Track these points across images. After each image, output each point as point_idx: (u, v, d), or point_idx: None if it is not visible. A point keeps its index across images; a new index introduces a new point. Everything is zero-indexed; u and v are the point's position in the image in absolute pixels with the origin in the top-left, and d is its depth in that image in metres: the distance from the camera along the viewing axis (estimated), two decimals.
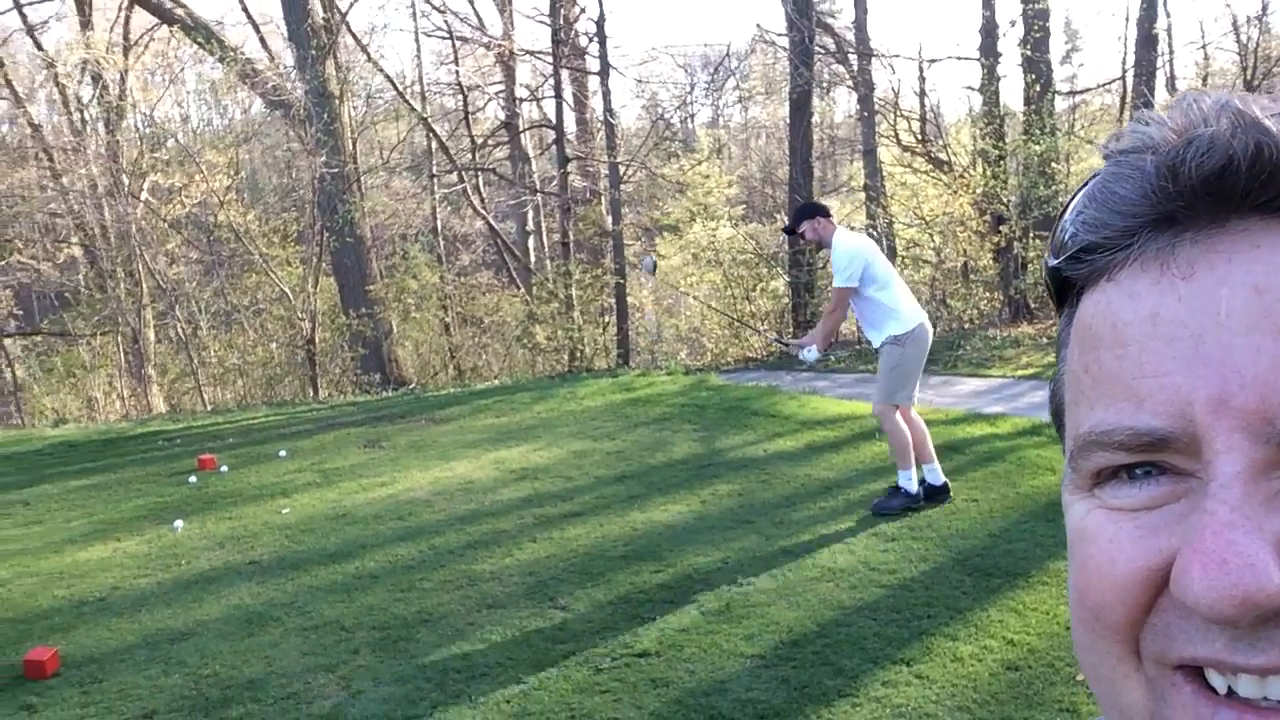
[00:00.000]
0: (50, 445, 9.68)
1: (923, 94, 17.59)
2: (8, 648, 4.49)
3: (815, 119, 19.43)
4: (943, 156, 16.15)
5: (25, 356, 17.49)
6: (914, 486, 5.59)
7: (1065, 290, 0.47)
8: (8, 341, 16.35)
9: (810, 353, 5.84)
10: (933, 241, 15.83)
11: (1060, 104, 20.20)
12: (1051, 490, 5.77)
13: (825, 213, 5.77)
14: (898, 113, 16.78)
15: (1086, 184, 0.45)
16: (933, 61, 26.82)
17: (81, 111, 18.75)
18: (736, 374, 11.56)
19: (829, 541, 5.16)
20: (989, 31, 16.45)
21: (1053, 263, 0.46)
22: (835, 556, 4.94)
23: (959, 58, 21.10)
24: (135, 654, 4.39)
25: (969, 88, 22.69)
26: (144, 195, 17.16)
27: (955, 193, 14.91)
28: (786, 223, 6.01)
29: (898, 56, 22.68)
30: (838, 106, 32.47)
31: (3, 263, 17.28)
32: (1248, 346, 0.38)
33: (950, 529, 5.23)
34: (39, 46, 19.98)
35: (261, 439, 9.17)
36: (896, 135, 16.71)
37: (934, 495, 5.64)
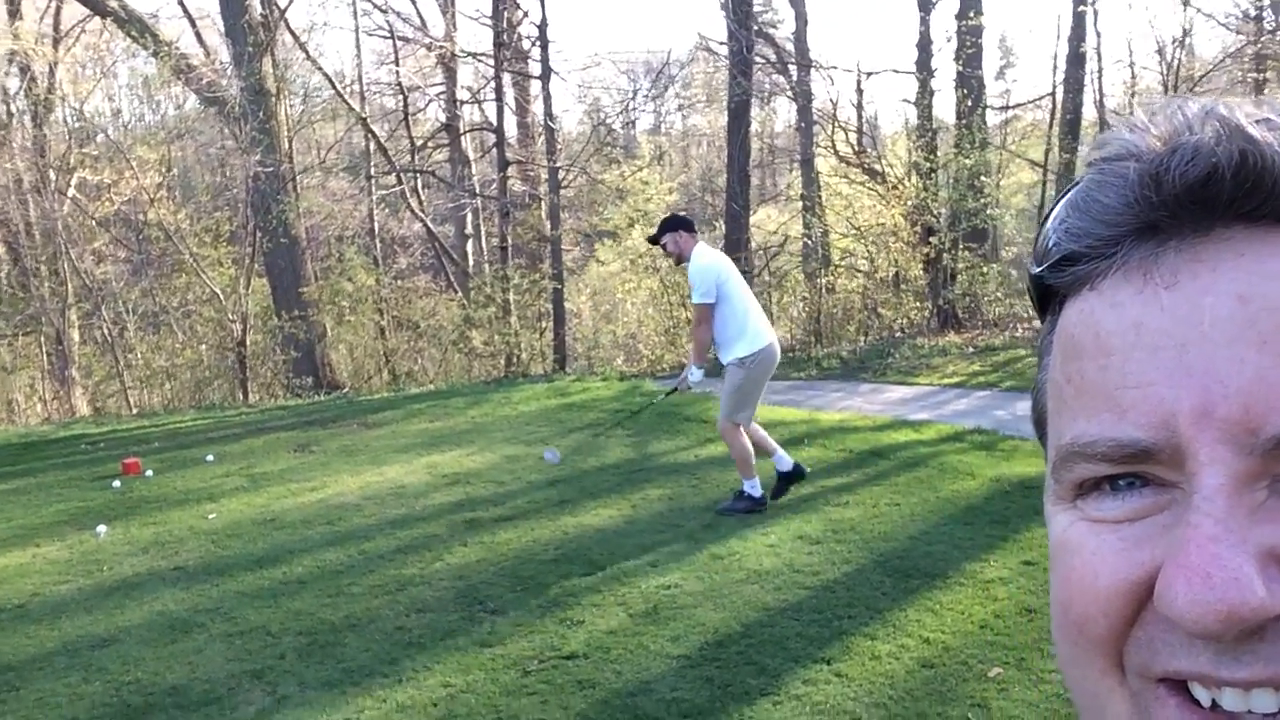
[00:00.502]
0: None
1: (860, 106, 17.95)
2: None
3: (755, 128, 19.68)
4: (878, 168, 16.47)
5: None
6: (758, 492, 5.84)
7: (1048, 298, 0.47)
8: None
9: (694, 373, 6.01)
10: (866, 251, 16.14)
11: (994, 119, 20.74)
12: (970, 494, 5.94)
13: (689, 227, 5.90)
14: (835, 124, 17.07)
15: (1069, 191, 0.45)
16: (870, 74, 27.34)
17: (7, 104, 18.22)
18: (672, 379, 11.65)
19: (756, 545, 5.25)
20: (924, 46, 16.85)
21: (1035, 270, 0.46)
22: (761, 559, 5.04)
23: (896, 71, 21.53)
24: (54, 661, 4.31)
25: (905, 100, 23.15)
26: (71, 191, 16.73)
27: (889, 204, 15.22)
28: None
29: (835, 68, 23.03)
30: (778, 116, 32.91)
31: None
32: (1231, 357, 0.38)
33: (872, 532, 5.36)
34: None
35: (188, 443, 9.03)
36: (834, 146, 17.00)
37: (789, 479, 5.89)
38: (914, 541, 5.20)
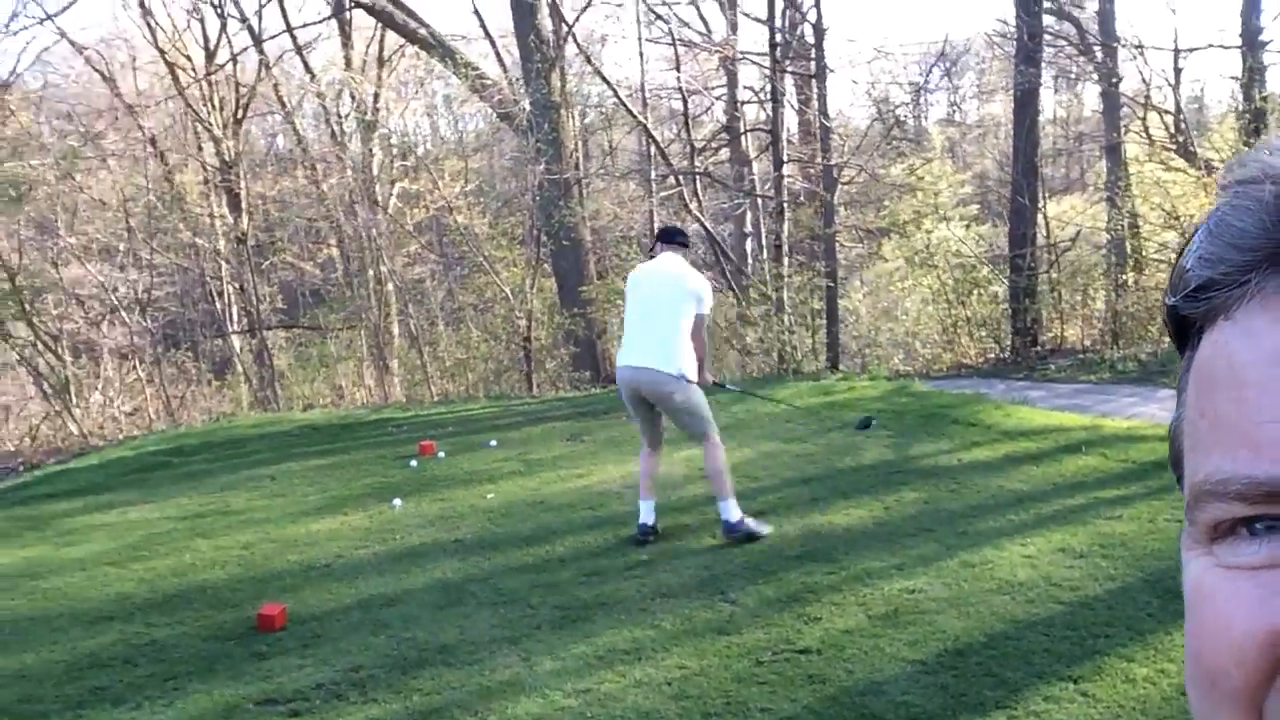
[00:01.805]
0: (298, 428, 10.77)
1: (1176, 86, 16.39)
2: (245, 603, 5.14)
3: (1059, 114, 18.42)
4: (1198, 152, 14.97)
5: (287, 347, 19.49)
6: (737, 516, 5.56)
7: (1185, 330, 0.44)
8: (269, 333, 18.24)
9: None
10: (1181, 242, 14.71)
11: None
12: None
13: (669, 239, 5.85)
14: (1148, 106, 15.67)
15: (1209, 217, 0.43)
16: (1190, 51, 24.82)
17: (340, 124, 20.53)
18: (946, 381, 11.25)
19: (1011, 555, 5.02)
20: (1250, 16, 15.12)
21: (1170, 301, 0.44)
22: (1016, 570, 4.81)
23: (1219, 46, 19.46)
24: (350, 615, 4.91)
25: (1233, 78, 20.87)
26: (393, 200, 18.62)
27: (1205, 191, 13.81)
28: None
29: (1142, 47, 21.05)
30: (1083, 102, 30.62)
31: (270, 261, 19.29)
32: None
33: (1145, 549, 4.96)
34: (307, 67, 22.05)
35: (477, 429, 9.82)
36: (1146, 130, 15.62)
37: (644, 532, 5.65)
38: None
